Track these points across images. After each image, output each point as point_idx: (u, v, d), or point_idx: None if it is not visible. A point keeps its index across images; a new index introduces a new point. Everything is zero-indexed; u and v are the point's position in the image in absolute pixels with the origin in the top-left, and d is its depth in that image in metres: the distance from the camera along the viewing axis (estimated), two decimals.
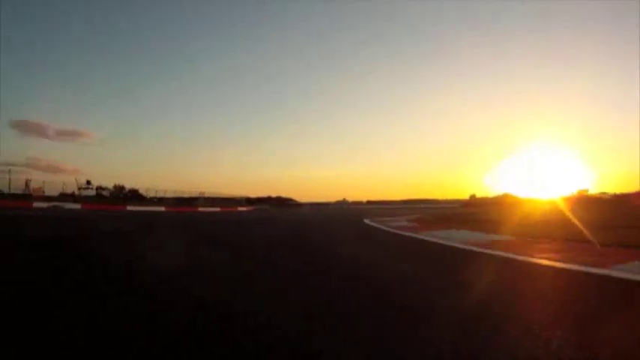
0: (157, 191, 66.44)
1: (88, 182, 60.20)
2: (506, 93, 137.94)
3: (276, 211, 56.59)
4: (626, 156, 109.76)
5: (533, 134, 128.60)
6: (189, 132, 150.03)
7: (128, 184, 66.56)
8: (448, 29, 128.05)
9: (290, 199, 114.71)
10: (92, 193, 59.93)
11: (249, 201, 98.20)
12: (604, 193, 67.91)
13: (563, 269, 4.66)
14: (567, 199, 58.96)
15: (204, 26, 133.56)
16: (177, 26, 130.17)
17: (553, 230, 9.69)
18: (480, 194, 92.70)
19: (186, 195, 71.60)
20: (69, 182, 58.39)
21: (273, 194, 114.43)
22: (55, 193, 52.57)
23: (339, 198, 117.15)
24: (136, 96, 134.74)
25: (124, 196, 63.11)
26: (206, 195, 74.86)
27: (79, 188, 58.38)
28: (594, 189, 69.90)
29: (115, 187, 64.74)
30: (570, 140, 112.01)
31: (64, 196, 52.30)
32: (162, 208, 52.94)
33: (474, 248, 6.90)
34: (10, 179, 49.71)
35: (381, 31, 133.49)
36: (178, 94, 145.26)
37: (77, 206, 44.11)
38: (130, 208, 49.05)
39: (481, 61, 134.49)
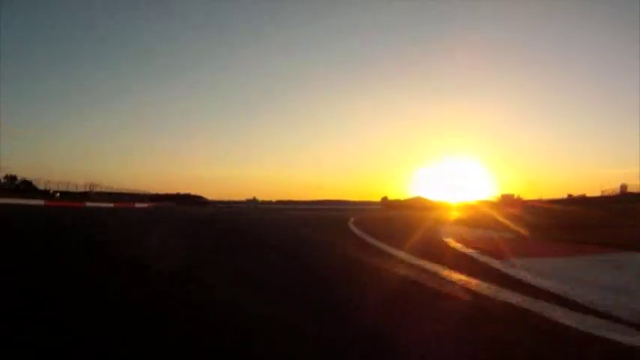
0: (58, 184, 58.76)
1: None
2: (419, 100, 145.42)
3: (179, 209, 51.30)
4: (528, 167, 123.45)
5: (445, 144, 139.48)
6: (102, 124, 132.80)
7: (29, 176, 58.57)
8: (364, 34, 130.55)
9: (200, 197, 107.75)
10: None
11: (152, 198, 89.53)
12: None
13: None
14: (498, 202, 64.46)
15: (108, 11, 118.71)
16: (74, 9, 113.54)
17: None
18: (391, 197, 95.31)
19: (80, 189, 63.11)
20: None
21: (183, 191, 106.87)
22: None
23: (250, 197, 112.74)
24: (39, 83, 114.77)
25: (16, 188, 55.25)
26: (103, 189, 65.87)
27: None
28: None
29: (7, 177, 57.31)
30: (478, 151, 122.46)
31: None
32: (42, 202, 46.04)
33: None
34: None
35: (293, 32, 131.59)
36: (87, 81, 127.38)
37: None
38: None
39: (397, 67, 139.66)
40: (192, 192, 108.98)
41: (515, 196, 72.13)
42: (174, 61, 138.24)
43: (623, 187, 58.03)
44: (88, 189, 63.63)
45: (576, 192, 65.85)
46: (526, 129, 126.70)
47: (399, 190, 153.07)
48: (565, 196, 66.52)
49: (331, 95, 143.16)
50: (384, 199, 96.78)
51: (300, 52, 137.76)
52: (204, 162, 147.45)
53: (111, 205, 53.71)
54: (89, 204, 50.91)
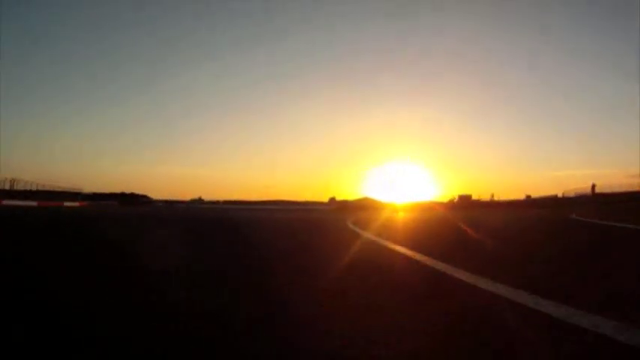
0: None
1: None
2: (368, 103, 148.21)
3: (114, 209, 49.06)
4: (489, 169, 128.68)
5: (396, 147, 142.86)
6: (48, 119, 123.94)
7: None
8: (315, 38, 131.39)
9: (144, 196, 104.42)
10: None
11: (92, 196, 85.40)
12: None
13: None
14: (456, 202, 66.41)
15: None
16: None
17: None
18: (339, 197, 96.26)
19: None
20: None
21: (128, 190, 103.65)
22: None
23: (195, 196, 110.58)
24: None
25: None
26: (27, 187, 61.72)
27: None
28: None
29: None
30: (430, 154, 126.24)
31: None
32: None
33: None
34: None
35: (242, 32, 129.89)
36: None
37: None
38: None
39: (346, 72, 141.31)
40: (138, 191, 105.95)
41: (473, 197, 72.86)
42: (124, 58, 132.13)
43: (593, 187, 54.24)
44: (8, 186, 59.58)
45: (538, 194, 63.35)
46: (483, 134, 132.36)
47: (348, 191, 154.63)
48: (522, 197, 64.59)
49: (281, 98, 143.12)
50: (332, 199, 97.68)
51: (250, 52, 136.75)
52: (150, 160, 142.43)
53: (34, 203, 50.76)
54: (5, 202, 47.58)
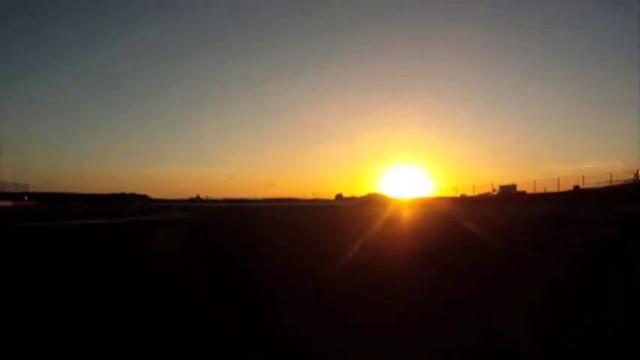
0: None
1: None
2: (375, 97, 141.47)
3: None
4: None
5: (395, 144, 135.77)
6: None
7: None
8: (318, 33, 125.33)
9: (144, 196, 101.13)
10: None
11: (89, 197, 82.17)
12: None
13: None
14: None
15: None
16: None
17: None
18: (345, 194, 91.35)
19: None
20: None
21: (128, 191, 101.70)
22: None
23: (193, 195, 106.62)
24: None
25: None
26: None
27: None
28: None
29: None
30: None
31: None
32: None
33: None
34: None
35: (244, 28, 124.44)
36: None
37: None
38: None
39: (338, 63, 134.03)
40: (138, 191, 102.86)
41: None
42: (124, 56, 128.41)
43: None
44: None
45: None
46: (495, 125, 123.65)
47: (353, 188, 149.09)
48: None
49: (280, 92, 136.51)
50: (339, 195, 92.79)
51: (247, 46, 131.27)
52: (149, 160, 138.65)
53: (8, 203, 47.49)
54: None
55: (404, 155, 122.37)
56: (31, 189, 68.62)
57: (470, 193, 60.16)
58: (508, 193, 54.41)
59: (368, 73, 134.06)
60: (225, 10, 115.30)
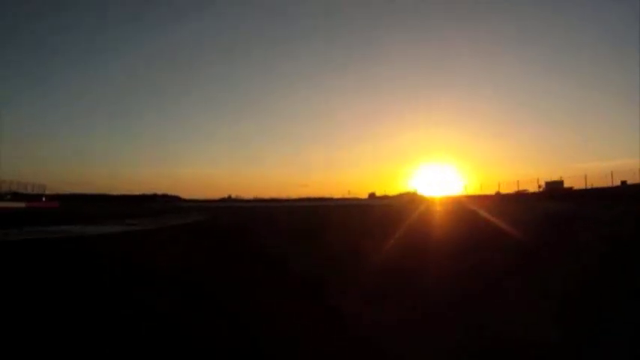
0: None
1: None
2: (408, 95, 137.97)
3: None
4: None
5: (428, 143, 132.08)
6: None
7: None
8: (347, 30, 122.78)
9: (176, 197, 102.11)
10: None
11: (122, 198, 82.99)
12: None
13: None
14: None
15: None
16: None
17: None
18: (378, 193, 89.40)
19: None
20: None
21: (160, 192, 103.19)
22: None
23: (224, 195, 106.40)
24: None
25: None
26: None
27: None
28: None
29: None
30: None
31: None
32: None
33: None
34: None
35: (276, 28, 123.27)
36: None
37: None
38: None
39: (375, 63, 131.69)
40: (170, 192, 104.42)
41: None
42: (155, 59, 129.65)
43: None
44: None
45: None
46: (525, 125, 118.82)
47: (389, 186, 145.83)
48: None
49: (312, 94, 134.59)
50: (372, 194, 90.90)
51: (280, 47, 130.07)
52: (180, 161, 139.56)
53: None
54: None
55: (435, 153, 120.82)
56: (50, 190, 67.20)
57: (506, 190, 57.54)
58: (555, 189, 50.80)
59: (399, 72, 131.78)
60: (259, 8, 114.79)
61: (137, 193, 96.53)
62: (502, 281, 4.31)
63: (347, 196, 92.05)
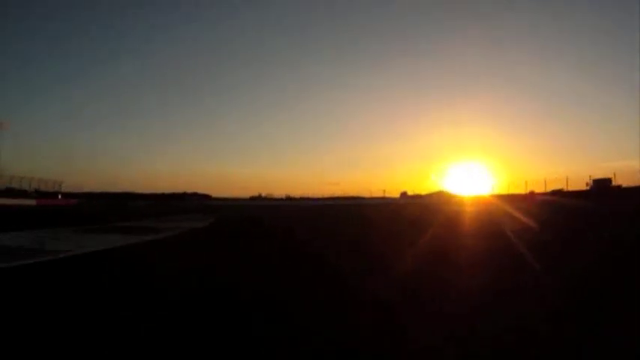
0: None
1: None
2: (438, 93, 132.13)
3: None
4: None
5: (459, 142, 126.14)
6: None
7: None
8: (377, 29, 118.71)
9: (207, 195, 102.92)
10: None
11: (155, 197, 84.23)
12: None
13: None
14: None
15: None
16: None
17: None
18: (410, 192, 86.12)
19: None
20: None
21: (190, 190, 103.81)
22: None
23: (255, 194, 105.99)
24: None
25: None
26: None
27: None
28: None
29: None
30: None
31: None
32: None
33: None
34: None
35: (307, 29, 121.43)
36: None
37: None
38: None
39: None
40: (200, 190, 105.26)
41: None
42: (190, 58, 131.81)
43: None
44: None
45: None
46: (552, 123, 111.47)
47: (418, 185, 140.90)
48: None
49: (342, 92, 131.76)
50: (404, 193, 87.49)
51: (312, 48, 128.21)
52: (210, 160, 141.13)
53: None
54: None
55: (463, 152, 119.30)
56: (66, 188, 67.71)
57: (540, 189, 54.60)
58: (603, 187, 46.16)
59: (432, 72, 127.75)
60: (296, 9, 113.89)
61: (167, 191, 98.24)
62: None
63: (382, 195, 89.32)
